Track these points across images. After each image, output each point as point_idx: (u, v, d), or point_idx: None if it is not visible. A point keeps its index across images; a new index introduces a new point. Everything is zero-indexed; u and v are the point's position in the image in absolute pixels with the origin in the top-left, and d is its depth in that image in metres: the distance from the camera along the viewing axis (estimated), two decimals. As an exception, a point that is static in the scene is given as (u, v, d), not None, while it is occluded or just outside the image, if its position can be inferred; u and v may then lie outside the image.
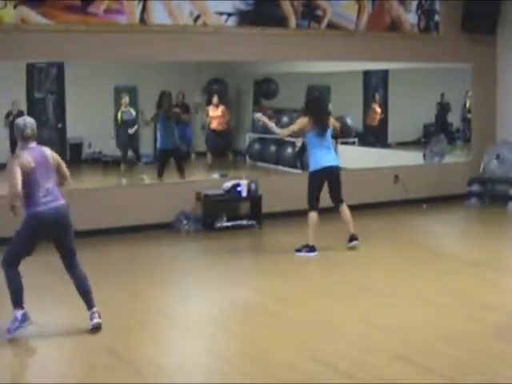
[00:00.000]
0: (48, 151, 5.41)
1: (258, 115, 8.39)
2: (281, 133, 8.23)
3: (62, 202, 5.40)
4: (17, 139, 5.38)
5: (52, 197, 5.32)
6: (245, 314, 5.98)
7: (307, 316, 5.80)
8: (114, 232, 8.81)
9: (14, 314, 5.27)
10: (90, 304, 5.45)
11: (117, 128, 13.41)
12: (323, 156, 7.79)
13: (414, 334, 5.32)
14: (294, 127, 7.97)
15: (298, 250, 7.83)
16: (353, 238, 7.96)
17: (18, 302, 5.28)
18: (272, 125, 8.17)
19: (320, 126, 7.78)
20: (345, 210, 7.97)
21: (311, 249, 7.80)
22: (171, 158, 10.94)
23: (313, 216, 7.80)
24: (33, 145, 5.33)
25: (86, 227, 8.64)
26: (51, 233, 5.37)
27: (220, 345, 5.26)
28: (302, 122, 7.85)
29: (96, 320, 5.38)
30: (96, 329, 5.35)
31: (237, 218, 9.47)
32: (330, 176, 7.84)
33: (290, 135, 8.51)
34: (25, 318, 5.27)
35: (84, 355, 5.04)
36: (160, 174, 10.74)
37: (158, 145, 11.26)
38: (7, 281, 5.30)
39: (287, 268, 7.39)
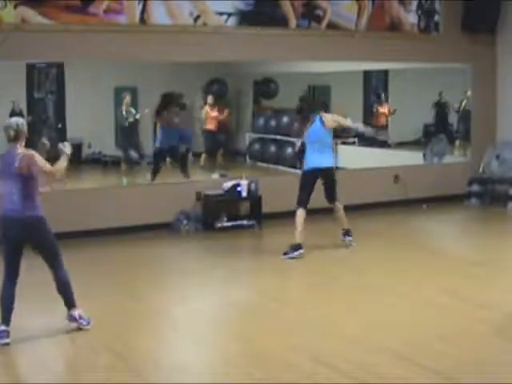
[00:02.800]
0: (18, 157, 5.15)
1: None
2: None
3: (27, 212, 5.20)
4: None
5: (12, 205, 5.19)
6: (245, 314, 5.98)
7: (307, 316, 5.80)
8: (114, 232, 8.80)
9: None
10: (68, 305, 5.41)
11: (119, 129, 13.37)
12: (319, 157, 7.83)
13: (414, 334, 5.32)
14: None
15: (286, 253, 7.72)
16: (346, 233, 7.99)
17: (4, 318, 5.19)
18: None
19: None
20: (338, 207, 7.97)
21: (298, 247, 7.73)
22: (167, 158, 11.04)
23: (301, 213, 7.79)
24: (15, 147, 5.19)
25: (86, 227, 8.66)
26: (16, 239, 5.23)
27: (220, 345, 5.26)
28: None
29: (74, 324, 5.37)
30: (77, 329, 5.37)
31: (237, 218, 9.47)
32: (324, 174, 7.85)
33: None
34: (3, 335, 5.14)
35: (84, 355, 5.05)
36: (154, 174, 10.77)
37: (157, 144, 11.35)
38: (1, 296, 5.22)
39: (287, 268, 7.39)
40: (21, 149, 5.22)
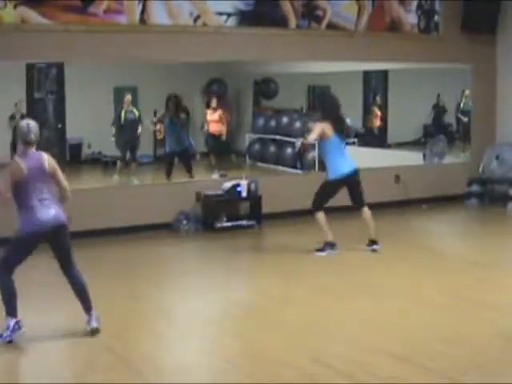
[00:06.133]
0: (45, 157, 5.26)
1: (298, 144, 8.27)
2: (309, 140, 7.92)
3: (57, 209, 5.29)
4: (18, 142, 5.29)
5: (49, 203, 5.22)
6: (245, 313, 5.98)
7: (307, 316, 5.80)
8: (113, 232, 8.80)
9: (6, 322, 5.17)
10: (86, 308, 5.39)
11: (119, 127, 13.35)
12: (344, 162, 7.73)
13: (414, 334, 5.32)
14: (314, 136, 7.65)
15: (320, 250, 7.79)
16: (372, 243, 7.93)
17: (11, 310, 5.18)
18: (306, 141, 7.93)
19: (341, 132, 7.72)
20: (366, 212, 7.93)
21: (332, 245, 7.80)
22: (177, 159, 11.13)
23: (321, 215, 7.78)
24: (32, 150, 5.22)
25: (85, 227, 8.65)
26: (46, 238, 5.27)
27: (220, 345, 5.26)
28: (321, 128, 7.63)
29: (94, 325, 5.33)
30: (94, 332, 5.31)
31: (237, 218, 9.47)
32: (351, 181, 7.78)
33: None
34: (18, 326, 5.16)
35: (84, 355, 5.04)
36: (168, 175, 10.93)
37: (167, 148, 11.38)
38: (1, 289, 5.20)
39: (287, 268, 7.39)
40: (39, 151, 5.27)
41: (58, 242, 5.34)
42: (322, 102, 8.07)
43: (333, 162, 7.76)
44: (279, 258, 7.75)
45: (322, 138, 7.70)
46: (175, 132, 11.18)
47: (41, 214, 5.17)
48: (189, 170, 11.05)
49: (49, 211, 5.21)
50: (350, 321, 5.68)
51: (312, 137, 7.69)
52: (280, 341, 5.21)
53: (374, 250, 7.87)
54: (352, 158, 7.92)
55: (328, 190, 7.82)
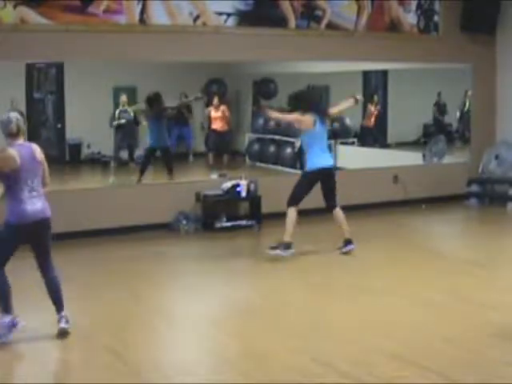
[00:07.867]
0: (37, 148, 5.23)
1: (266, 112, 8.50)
2: (282, 117, 8.31)
3: (44, 202, 5.25)
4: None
5: (37, 195, 5.18)
6: (245, 314, 5.98)
7: (307, 316, 5.80)
8: (113, 232, 8.80)
9: (0, 320, 5.15)
10: (58, 308, 5.33)
11: (114, 127, 13.33)
12: (321, 156, 7.67)
13: (413, 334, 5.32)
14: (299, 117, 7.67)
15: (273, 248, 7.69)
16: (347, 243, 7.79)
17: (5, 306, 5.15)
18: (274, 114, 8.32)
19: (321, 121, 7.66)
20: (339, 214, 7.77)
21: (287, 246, 7.66)
22: (155, 156, 11.00)
23: (294, 212, 7.70)
24: (20, 141, 5.16)
25: (85, 227, 8.66)
26: (33, 232, 5.20)
27: (220, 345, 5.26)
28: (307, 118, 7.62)
29: (63, 325, 5.26)
30: (63, 334, 5.24)
31: (236, 218, 9.47)
32: (324, 177, 7.70)
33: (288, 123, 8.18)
34: (12, 324, 5.14)
35: (83, 355, 5.04)
36: (142, 172, 10.73)
37: (148, 144, 11.35)
38: None
39: (287, 268, 7.39)
40: (28, 142, 5.24)
41: (41, 236, 5.26)
42: (300, 98, 7.90)
43: (310, 155, 7.72)
44: (279, 257, 7.74)
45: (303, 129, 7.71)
46: (157, 128, 11.12)
47: (28, 206, 5.12)
48: (169, 171, 10.94)
49: (36, 204, 5.17)
50: (350, 321, 5.68)
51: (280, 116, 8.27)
52: (280, 341, 5.21)
53: (347, 252, 7.72)
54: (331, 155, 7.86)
55: (303, 182, 7.74)
